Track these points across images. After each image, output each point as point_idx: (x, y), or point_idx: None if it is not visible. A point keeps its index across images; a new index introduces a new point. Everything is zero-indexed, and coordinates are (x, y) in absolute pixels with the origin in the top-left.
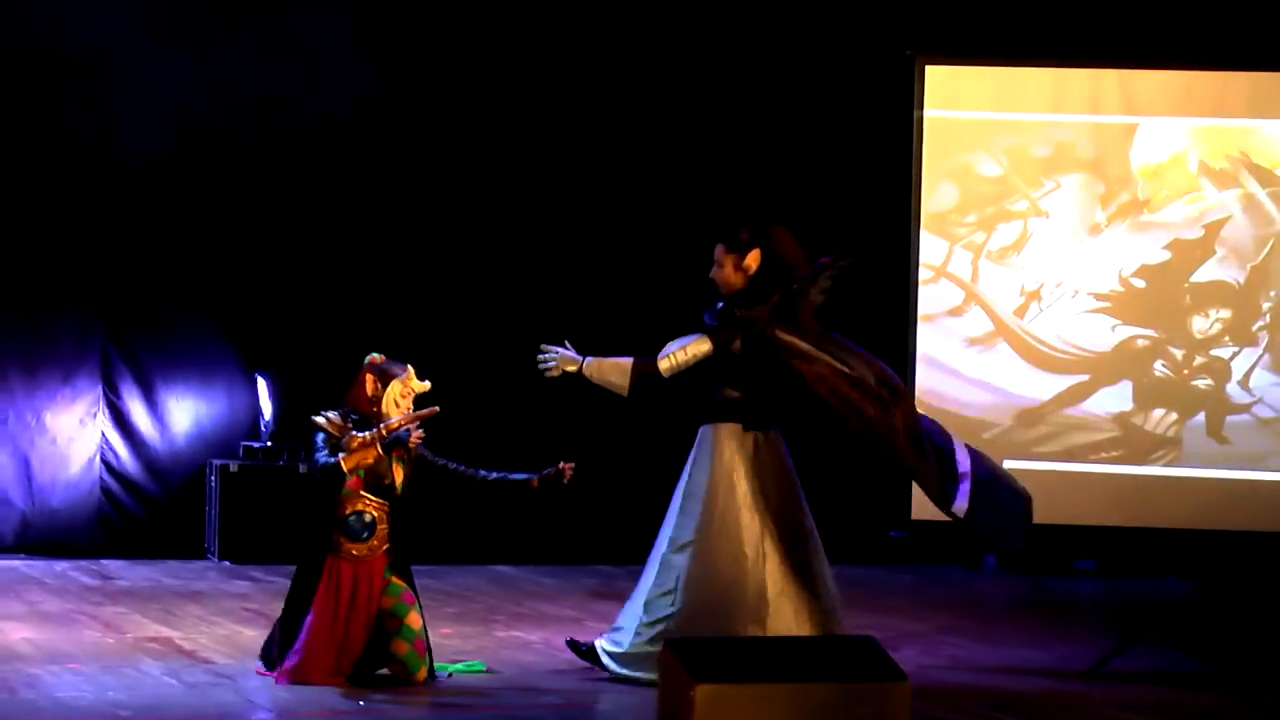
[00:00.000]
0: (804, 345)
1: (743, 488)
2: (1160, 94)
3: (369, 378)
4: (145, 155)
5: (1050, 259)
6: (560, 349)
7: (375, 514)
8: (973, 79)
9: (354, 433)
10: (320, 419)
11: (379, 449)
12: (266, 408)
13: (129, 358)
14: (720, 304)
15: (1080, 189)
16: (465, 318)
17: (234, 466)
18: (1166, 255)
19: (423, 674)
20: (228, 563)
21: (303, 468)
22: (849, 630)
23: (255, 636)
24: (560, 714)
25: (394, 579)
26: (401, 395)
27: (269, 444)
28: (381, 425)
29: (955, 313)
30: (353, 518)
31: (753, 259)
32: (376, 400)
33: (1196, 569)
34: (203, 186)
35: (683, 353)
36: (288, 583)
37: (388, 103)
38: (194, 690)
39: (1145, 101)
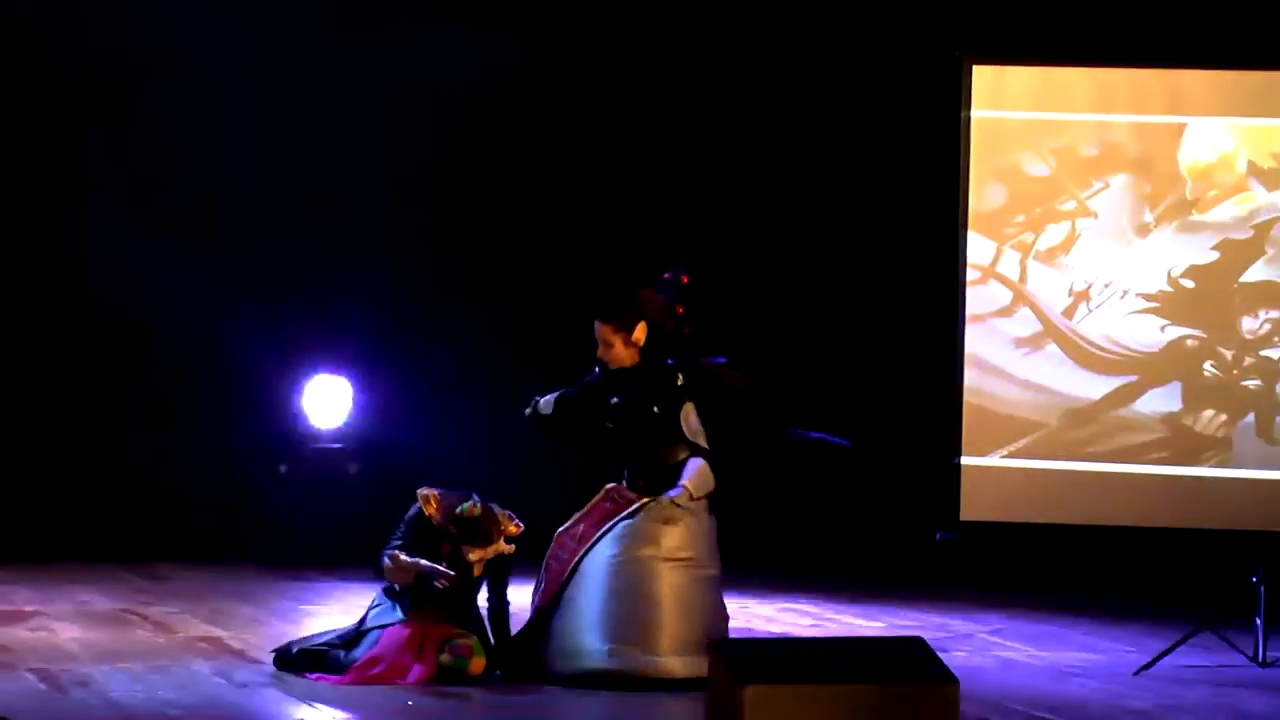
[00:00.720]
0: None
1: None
2: (1207, 94)
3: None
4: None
5: (1099, 259)
6: (665, 497)
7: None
8: (1020, 79)
9: (400, 555)
10: (422, 495)
11: (411, 578)
12: (321, 409)
13: (187, 358)
14: (668, 362)
15: (1128, 189)
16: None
17: (285, 468)
18: (1215, 255)
19: (482, 664)
20: (278, 563)
21: (353, 468)
22: (898, 631)
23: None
24: (610, 717)
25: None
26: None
27: (323, 446)
28: (419, 561)
29: (1003, 313)
30: (433, 585)
31: (640, 333)
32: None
33: (1247, 570)
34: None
35: (699, 424)
36: (337, 584)
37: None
38: (243, 690)
39: (1192, 101)
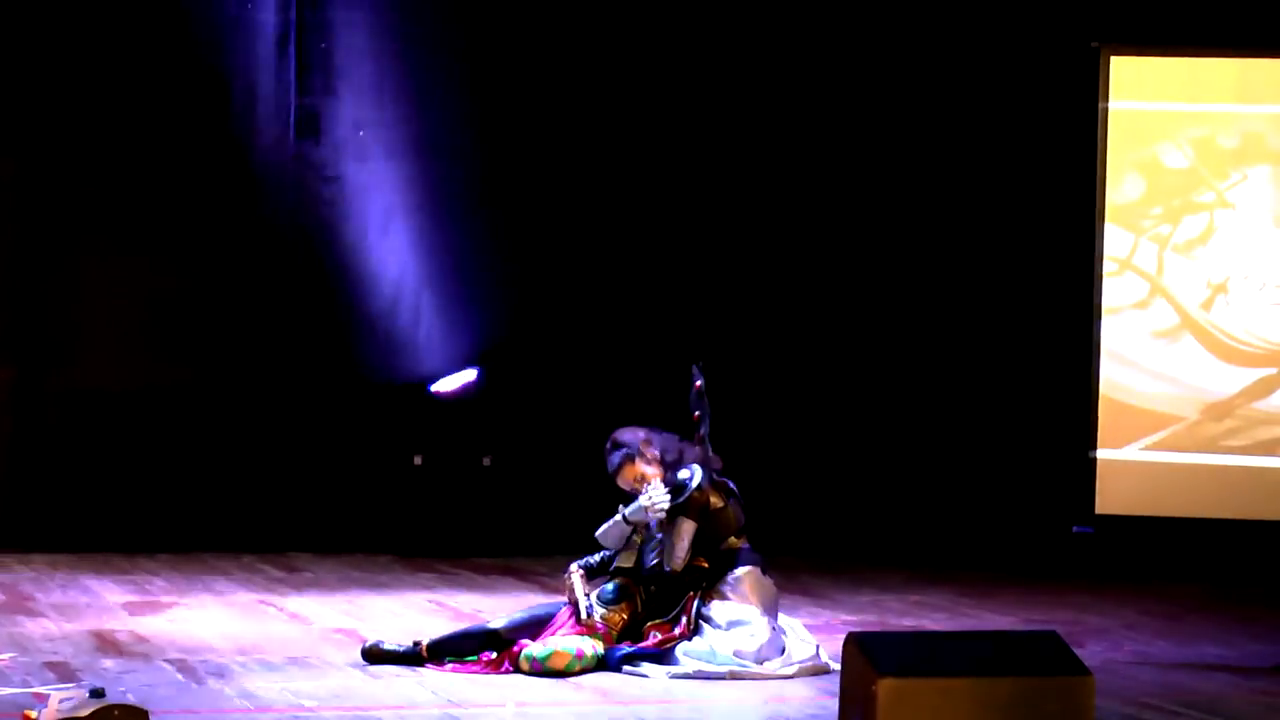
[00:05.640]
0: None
1: None
2: None
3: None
4: None
5: (1237, 251)
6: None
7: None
8: (1158, 70)
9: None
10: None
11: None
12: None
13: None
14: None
15: (1269, 181)
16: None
17: (419, 460)
18: None
19: (565, 658)
20: (412, 555)
21: (487, 460)
22: (1032, 625)
23: (439, 629)
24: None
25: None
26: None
27: (456, 438)
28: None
29: (1140, 305)
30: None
31: (645, 448)
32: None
33: None
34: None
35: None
36: (472, 575)
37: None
38: (378, 681)
39: None
